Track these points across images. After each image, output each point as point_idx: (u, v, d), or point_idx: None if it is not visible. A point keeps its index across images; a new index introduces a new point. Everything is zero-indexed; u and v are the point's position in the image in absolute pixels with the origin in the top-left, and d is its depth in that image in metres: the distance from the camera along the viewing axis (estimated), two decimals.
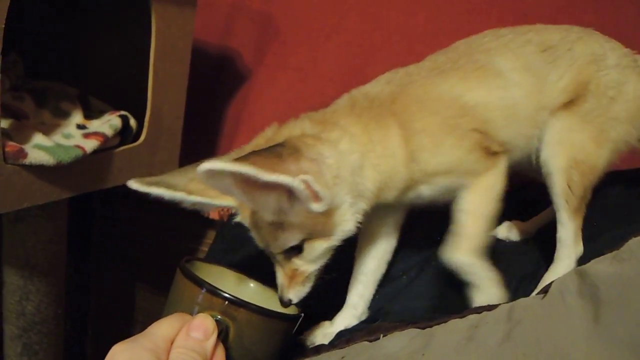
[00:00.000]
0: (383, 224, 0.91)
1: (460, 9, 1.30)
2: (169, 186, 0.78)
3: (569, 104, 0.84)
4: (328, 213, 0.74)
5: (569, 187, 0.83)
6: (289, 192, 0.70)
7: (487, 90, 0.82)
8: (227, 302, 0.69)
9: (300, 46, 1.46)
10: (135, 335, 0.64)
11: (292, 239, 0.75)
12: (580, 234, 0.86)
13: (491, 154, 0.82)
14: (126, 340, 0.63)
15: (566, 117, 0.84)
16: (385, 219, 0.91)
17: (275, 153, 0.69)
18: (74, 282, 1.64)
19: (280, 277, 0.79)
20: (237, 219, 0.80)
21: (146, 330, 0.65)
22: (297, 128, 0.77)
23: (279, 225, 0.73)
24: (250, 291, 0.85)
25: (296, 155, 0.70)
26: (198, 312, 0.69)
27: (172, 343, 0.65)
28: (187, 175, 0.79)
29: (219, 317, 0.69)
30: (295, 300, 0.79)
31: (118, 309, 1.70)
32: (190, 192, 0.78)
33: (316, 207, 0.72)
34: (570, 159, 0.83)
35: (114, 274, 1.70)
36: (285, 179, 0.66)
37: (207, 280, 0.73)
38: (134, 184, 0.78)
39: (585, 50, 0.86)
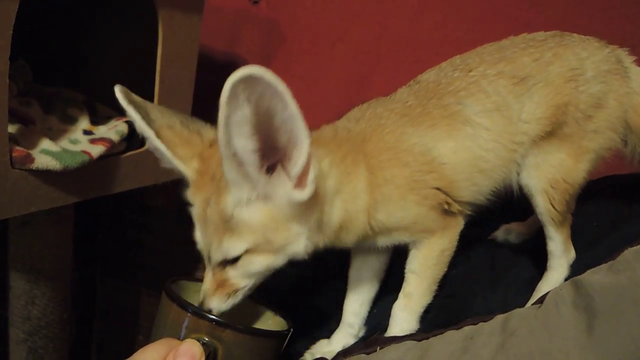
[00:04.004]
0: None
1: (466, 18, 1.30)
2: (145, 116, 0.73)
3: (549, 133, 0.81)
4: (286, 225, 0.69)
5: (552, 205, 0.82)
6: (282, 163, 0.65)
7: (455, 141, 0.78)
8: (213, 324, 0.69)
9: (306, 54, 1.47)
10: None
11: (236, 248, 0.69)
12: (569, 241, 0.86)
13: (449, 213, 0.81)
14: None
15: (544, 141, 0.82)
16: None
17: None
18: (80, 287, 1.65)
19: (208, 282, 0.73)
20: (186, 196, 0.73)
21: (132, 357, 0.65)
22: None
23: (229, 227, 0.68)
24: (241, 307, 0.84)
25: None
26: (185, 335, 0.68)
27: None
28: (169, 119, 0.75)
29: (206, 339, 0.68)
30: (215, 311, 0.72)
31: (123, 313, 1.70)
32: (159, 136, 0.72)
33: (294, 193, 0.66)
34: (549, 180, 0.82)
35: (119, 279, 1.71)
36: (304, 129, 0.60)
37: (195, 299, 0.73)
38: (119, 91, 0.73)
39: (561, 69, 0.81)
